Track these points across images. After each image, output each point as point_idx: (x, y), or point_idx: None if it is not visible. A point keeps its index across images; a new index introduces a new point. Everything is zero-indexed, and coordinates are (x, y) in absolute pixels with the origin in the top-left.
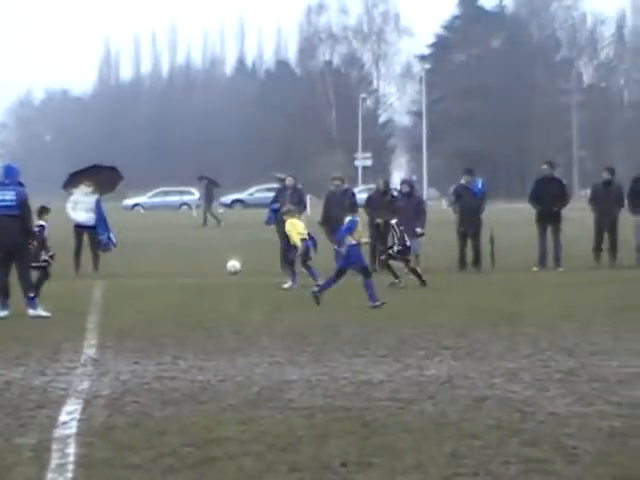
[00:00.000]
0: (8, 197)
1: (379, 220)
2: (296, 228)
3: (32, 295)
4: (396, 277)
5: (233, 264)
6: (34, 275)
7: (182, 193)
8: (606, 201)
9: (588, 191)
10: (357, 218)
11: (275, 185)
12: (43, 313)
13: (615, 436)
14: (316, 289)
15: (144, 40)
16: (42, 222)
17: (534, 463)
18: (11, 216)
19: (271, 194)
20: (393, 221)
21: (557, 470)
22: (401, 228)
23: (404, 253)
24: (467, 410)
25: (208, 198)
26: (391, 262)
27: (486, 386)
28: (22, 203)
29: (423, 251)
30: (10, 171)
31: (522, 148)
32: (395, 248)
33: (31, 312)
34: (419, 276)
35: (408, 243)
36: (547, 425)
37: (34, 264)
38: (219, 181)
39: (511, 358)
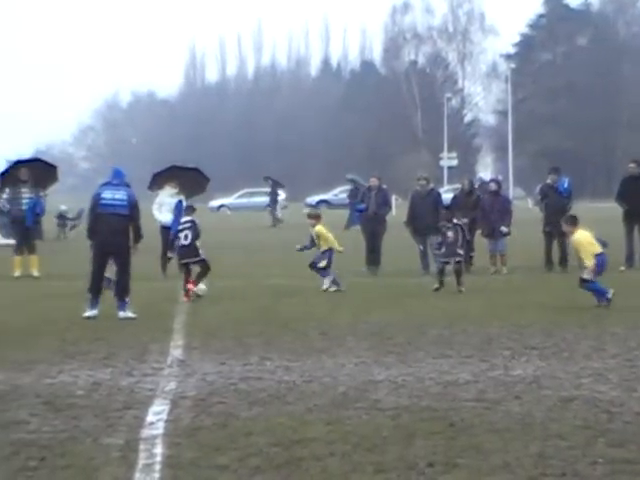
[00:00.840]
0: (118, 196)
1: (464, 220)
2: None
3: (126, 299)
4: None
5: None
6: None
7: (267, 194)
8: None
9: None
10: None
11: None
12: (131, 315)
13: None
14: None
15: (229, 42)
16: (192, 218)
17: (621, 464)
18: (120, 215)
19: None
20: (463, 221)
21: None
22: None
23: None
24: (554, 410)
25: (273, 199)
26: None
27: (573, 386)
28: (132, 204)
29: (509, 250)
30: (119, 173)
31: (609, 146)
32: (461, 252)
33: (121, 314)
34: (460, 282)
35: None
36: (634, 425)
37: (195, 259)
38: (304, 182)
39: (598, 358)
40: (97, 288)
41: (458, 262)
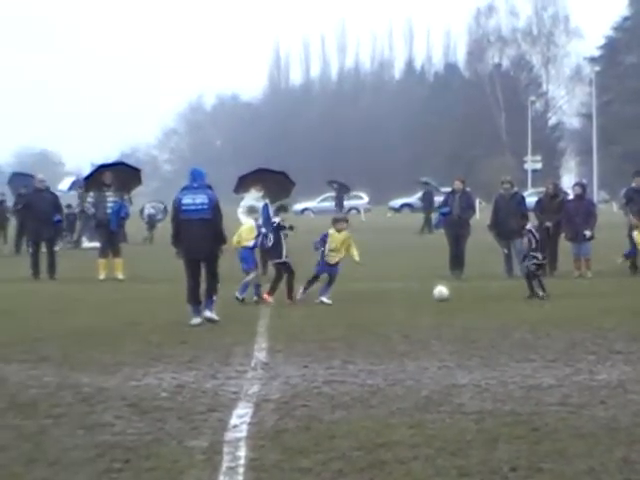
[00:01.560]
0: (199, 200)
1: (548, 223)
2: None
3: (214, 297)
4: (543, 289)
5: (440, 290)
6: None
7: (351, 197)
8: None
9: None
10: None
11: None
12: (215, 317)
13: None
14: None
15: (313, 43)
16: (278, 219)
17: None
18: (203, 220)
19: (439, 198)
20: (529, 226)
21: None
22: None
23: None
24: (639, 415)
25: (339, 202)
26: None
27: None
28: (214, 206)
29: (594, 254)
30: (198, 175)
31: None
32: (539, 256)
33: (207, 313)
34: (532, 287)
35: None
36: None
37: (277, 261)
38: (388, 185)
39: None
40: (195, 298)
41: (535, 265)
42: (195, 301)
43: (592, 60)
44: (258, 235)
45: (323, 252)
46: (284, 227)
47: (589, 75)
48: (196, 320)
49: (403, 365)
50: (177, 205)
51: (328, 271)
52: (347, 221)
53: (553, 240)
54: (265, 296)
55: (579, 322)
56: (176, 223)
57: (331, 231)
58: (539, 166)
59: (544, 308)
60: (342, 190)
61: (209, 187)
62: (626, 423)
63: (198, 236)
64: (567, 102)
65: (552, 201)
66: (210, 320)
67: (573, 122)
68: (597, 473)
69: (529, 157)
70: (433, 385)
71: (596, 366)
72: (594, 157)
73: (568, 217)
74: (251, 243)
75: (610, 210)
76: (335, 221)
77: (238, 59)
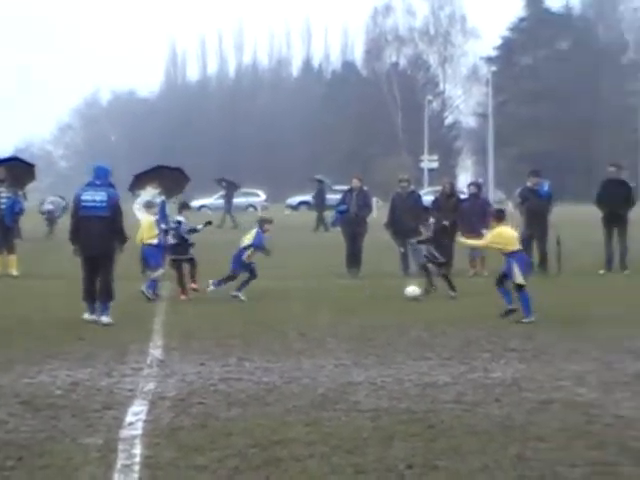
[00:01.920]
0: (99, 198)
1: (445, 222)
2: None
3: (109, 304)
4: (453, 289)
5: (414, 289)
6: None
7: (248, 195)
8: None
9: None
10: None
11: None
12: (111, 322)
13: None
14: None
15: (210, 40)
16: (181, 218)
17: (600, 466)
18: (101, 217)
19: (337, 196)
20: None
21: (624, 473)
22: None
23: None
24: (533, 413)
25: (228, 200)
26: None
27: (552, 388)
28: (113, 205)
29: (490, 253)
30: (101, 171)
31: (588, 150)
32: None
33: (104, 319)
34: (450, 282)
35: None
36: (613, 428)
37: (182, 257)
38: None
39: (577, 361)
40: (90, 296)
41: (440, 265)
42: (90, 299)
43: (488, 60)
44: (160, 232)
45: (245, 251)
46: (196, 230)
47: (485, 75)
48: (89, 316)
49: (299, 363)
50: (77, 201)
51: (248, 268)
52: (272, 222)
53: (449, 239)
54: (182, 297)
55: (474, 320)
56: (75, 220)
57: (260, 230)
58: (435, 165)
59: (440, 306)
60: (231, 188)
61: (111, 185)
62: (520, 421)
63: (95, 233)
64: (464, 102)
65: (448, 200)
66: (107, 325)
67: (469, 121)
68: (491, 470)
69: (426, 156)
70: (329, 383)
71: (491, 364)
72: (490, 156)
73: (464, 216)
74: (155, 241)
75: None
76: (263, 221)
77: (134, 55)
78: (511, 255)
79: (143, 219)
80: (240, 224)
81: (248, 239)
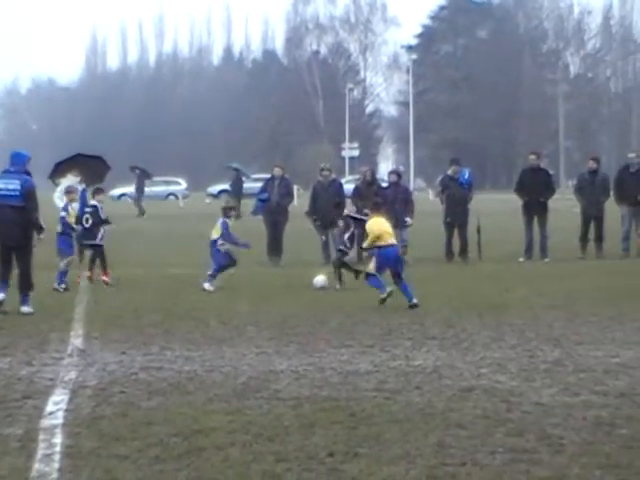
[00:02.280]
0: (11, 186)
1: (367, 210)
2: None
3: (29, 293)
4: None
5: (322, 279)
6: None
7: (169, 183)
8: (592, 191)
9: (574, 181)
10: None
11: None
12: (31, 310)
13: (601, 426)
14: None
15: (131, 29)
16: (95, 202)
17: (520, 453)
18: (13, 207)
19: (259, 184)
20: (346, 212)
21: (543, 460)
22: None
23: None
24: (454, 400)
25: (139, 188)
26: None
27: (473, 376)
28: (26, 193)
29: (411, 241)
30: (17, 158)
31: (509, 138)
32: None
33: (24, 309)
34: (351, 269)
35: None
36: (533, 415)
37: (90, 242)
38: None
39: (497, 348)
40: (3, 276)
41: (340, 251)
42: (3, 278)
43: (409, 48)
44: (62, 220)
45: (215, 244)
46: (106, 221)
47: (406, 63)
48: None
49: (221, 351)
50: None
51: (229, 257)
52: (234, 208)
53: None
54: (104, 279)
55: (396, 308)
56: None
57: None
58: (356, 153)
59: (361, 294)
60: (143, 176)
61: (27, 173)
62: (441, 408)
63: (9, 223)
64: (385, 90)
65: (369, 188)
66: (27, 314)
67: (390, 110)
68: (412, 457)
69: (347, 144)
70: (251, 371)
71: (412, 352)
72: (410, 145)
73: (386, 204)
74: (59, 228)
75: (426, 197)
76: (226, 209)
77: (54, 43)
78: (378, 248)
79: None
80: (145, 212)
81: (216, 231)
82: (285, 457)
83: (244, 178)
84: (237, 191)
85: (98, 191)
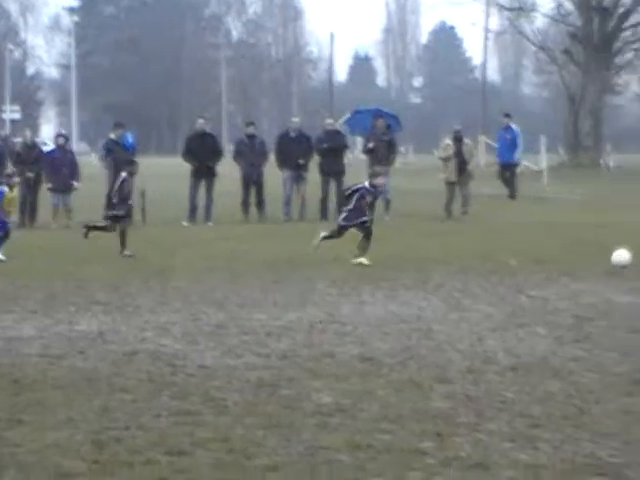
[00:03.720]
0: None
1: (30, 174)
2: None
3: None
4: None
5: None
6: None
7: None
8: (251, 155)
9: (231, 146)
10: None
11: None
12: None
13: (263, 387)
14: None
15: None
16: None
17: (184, 415)
18: None
19: None
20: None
21: (207, 421)
22: None
23: None
24: (118, 364)
25: None
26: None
27: (137, 340)
28: None
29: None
30: None
31: (173, 102)
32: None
33: None
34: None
35: None
36: (197, 378)
37: None
38: None
39: (162, 312)
40: None
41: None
42: None
43: (71, 10)
44: None
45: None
46: None
47: (68, 25)
48: None
49: None
50: None
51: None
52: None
53: (34, 191)
54: None
55: (60, 273)
56: None
57: None
58: (18, 116)
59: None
60: None
61: None
62: (105, 373)
63: None
64: (46, 52)
65: (31, 151)
66: None
67: (52, 72)
68: (76, 422)
69: (7, 107)
70: None
71: (75, 317)
72: (73, 108)
73: (53, 168)
74: None
75: (90, 161)
76: None
77: None
78: None
79: None
80: None
81: None
82: None
83: None
84: None
85: None
